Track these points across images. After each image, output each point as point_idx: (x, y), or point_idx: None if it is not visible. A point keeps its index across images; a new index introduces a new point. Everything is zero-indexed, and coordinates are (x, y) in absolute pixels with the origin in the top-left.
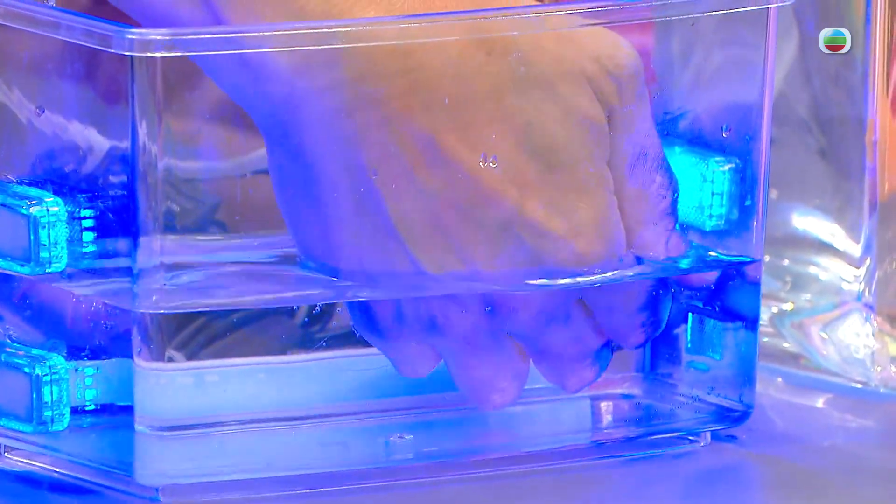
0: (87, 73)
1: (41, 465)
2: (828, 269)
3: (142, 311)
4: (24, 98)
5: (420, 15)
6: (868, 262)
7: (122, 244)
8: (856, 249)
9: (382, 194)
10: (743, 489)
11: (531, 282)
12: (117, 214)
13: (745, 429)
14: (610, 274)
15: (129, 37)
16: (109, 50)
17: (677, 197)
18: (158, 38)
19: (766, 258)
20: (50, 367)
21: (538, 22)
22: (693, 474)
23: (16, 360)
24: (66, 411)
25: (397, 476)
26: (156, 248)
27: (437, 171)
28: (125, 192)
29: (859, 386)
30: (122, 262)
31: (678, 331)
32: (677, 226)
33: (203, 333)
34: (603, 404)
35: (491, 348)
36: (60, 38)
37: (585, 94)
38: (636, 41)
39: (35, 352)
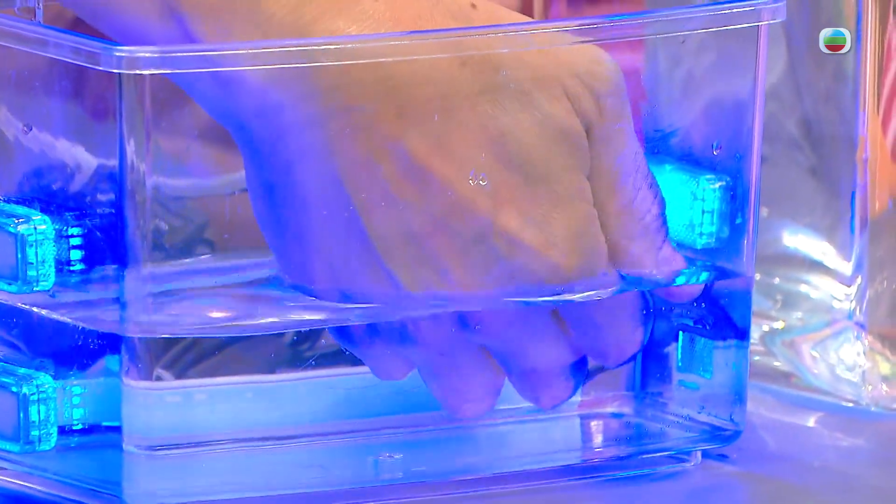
0: (75, 91)
1: (28, 485)
2: (819, 288)
3: (129, 332)
4: (12, 115)
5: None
6: (859, 280)
7: (109, 262)
8: (847, 268)
9: (356, 206)
10: None
11: (510, 299)
12: (105, 233)
13: (735, 448)
14: (590, 293)
15: (118, 54)
16: (97, 67)
17: (664, 212)
18: (147, 55)
19: (757, 276)
20: (37, 387)
21: (518, 40)
22: (684, 494)
23: (3, 380)
24: (54, 431)
25: (386, 495)
26: (144, 266)
27: (411, 182)
28: (113, 211)
29: (850, 405)
30: (110, 280)
31: (668, 349)
32: (673, 243)
33: (191, 352)
34: (593, 423)
35: (463, 359)
36: (48, 55)
37: (563, 107)
38: (626, 58)
39: (22, 371)
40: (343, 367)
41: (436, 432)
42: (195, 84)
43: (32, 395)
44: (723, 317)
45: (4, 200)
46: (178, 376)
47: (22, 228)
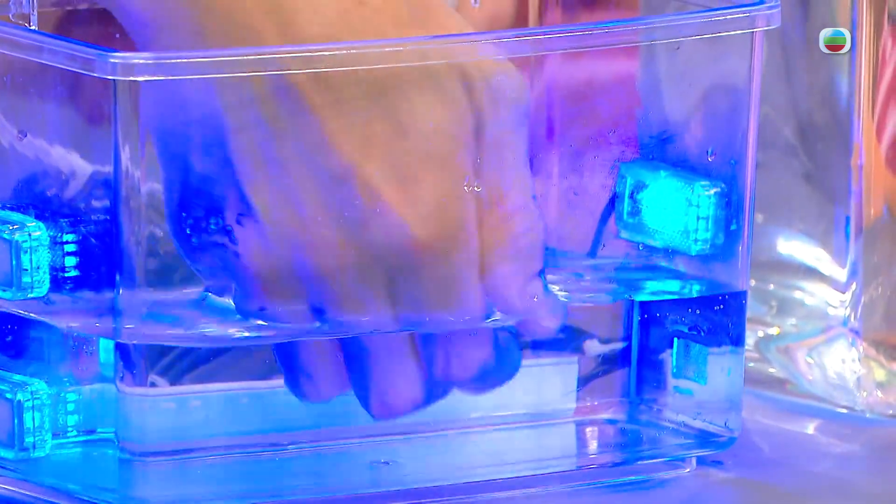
0: (70, 96)
1: (23, 491)
2: (813, 294)
3: (123, 338)
4: (6, 122)
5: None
6: (854, 286)
7: (104, 269)
8: (841, 274)
9: (228, 124)
10: None
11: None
12: (100, 239)
13: (730, 454)
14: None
15: (112, 60)
16: (92, 74)
17: (541, 243)
18: (141, 61)
19: (752, 282)
20: (32, 393)
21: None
22: (679, 500)
23: None
24: (48, 437)
25: (380, 502)
26: (139, 272)
27: (281, 104)
28: (108, 217)
29: (845, 411)
30: (105, 287)
31: (663, 355)
32: (546, 285)
33: (186, 359)
34: (588, 429)
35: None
36: (43, 61)
37: (458, 86)
38: (621, 64)
39: (17, 377)
40: None
41: (430, 439)
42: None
43: (27, 401)
44: (717, 323)
45: None
46: (173, 383)
47: (17, 235)
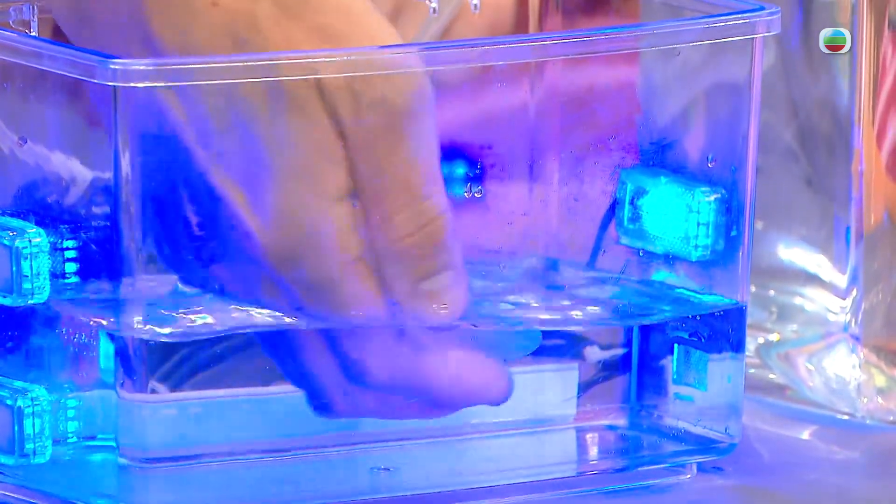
0: (71, 103)
1: (23, 498)
2: (814, 300)
3: (125, 343)
4: (6, 128)
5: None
6: (854, 292)
7: (105, 275)
8: (842, 280)
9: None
10: None
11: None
12: (100, 245)
13: (731, 460)
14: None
15: (113, 67)
16: (93, 80)
17: (442, 240)
18: (142, 68)
19: (753, 288)
20: (32, 399)
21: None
22: None
23: None
24: (49, 443)
25: None
26: (139, 278)
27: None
28: (108, 223)
29: (846, 417)
30: (106, 293)
31: (664, 362)
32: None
33: (187, 364)
34: (588, 435)
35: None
36: (44, 68)
37: (311, 94)
38: (621, 71)
39: (17, 384)
40: None
41: (429, 445)
42: None
43: (27, 407)
44: (718, 329)
45: None
46: (174, 389)
47: (17, 241)
